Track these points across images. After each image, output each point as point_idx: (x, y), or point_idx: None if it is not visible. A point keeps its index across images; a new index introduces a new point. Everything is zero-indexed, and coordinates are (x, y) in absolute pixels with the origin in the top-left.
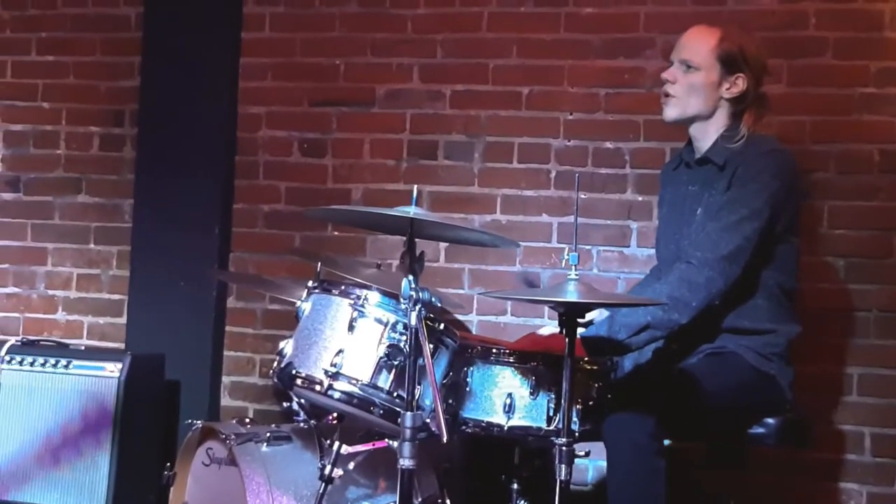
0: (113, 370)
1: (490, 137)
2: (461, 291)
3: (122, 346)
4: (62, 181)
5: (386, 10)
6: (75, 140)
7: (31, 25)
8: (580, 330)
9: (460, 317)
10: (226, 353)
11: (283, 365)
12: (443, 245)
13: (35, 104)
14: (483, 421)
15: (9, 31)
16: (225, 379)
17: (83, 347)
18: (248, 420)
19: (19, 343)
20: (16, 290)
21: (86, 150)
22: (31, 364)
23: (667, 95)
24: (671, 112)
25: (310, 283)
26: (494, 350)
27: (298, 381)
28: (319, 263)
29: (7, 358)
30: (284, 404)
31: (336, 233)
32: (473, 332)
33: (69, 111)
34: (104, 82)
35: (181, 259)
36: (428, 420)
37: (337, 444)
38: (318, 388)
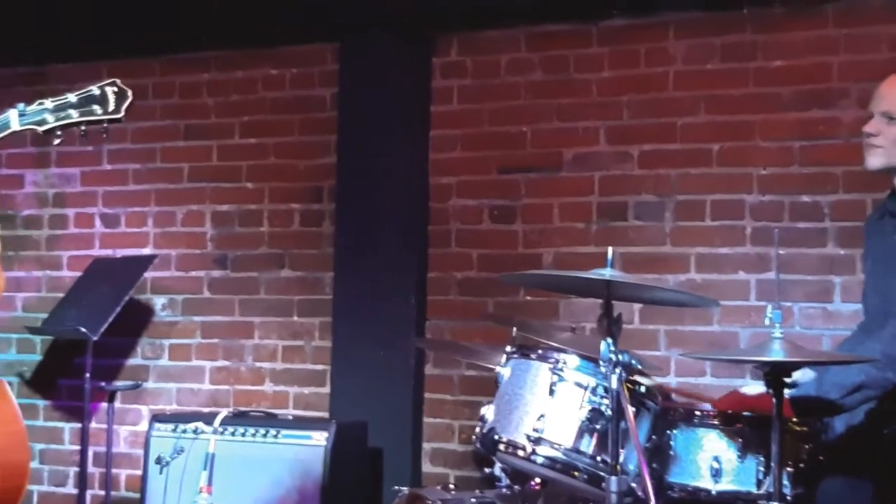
0: (319, 439)
1: (681, 196)
2: (657, 353)
3: (326, 414)
4: (266, 257)
5: (570, 75)
6: (277, 217)
7: (234, 111)
8: (787, 390)
9: (658, 379)
10: (425, 419)
11: (485, 430)
12: (637, 306)
13: (239, 185)
14: (689, 485)
15: (213, 117)
16: (426, 445)
17: (290, 417)
18: (451, 486)
19: (231, 414)
20: (226, 363)
21: (287, 227)
22: (243, 434)
23: (870, 145)
24: (875, 161)
25: (508, 349)
26: (698, 412)
27: (501, 447)
28: (514, 328)
29: (221, 429)
30: (486, 470)
31: (529, 297)
32: (672, 396)
33: (271, 190)
34: (303, 161)
35: (380, 328)
36: (633, 485)
37: None
38: (520, 453)
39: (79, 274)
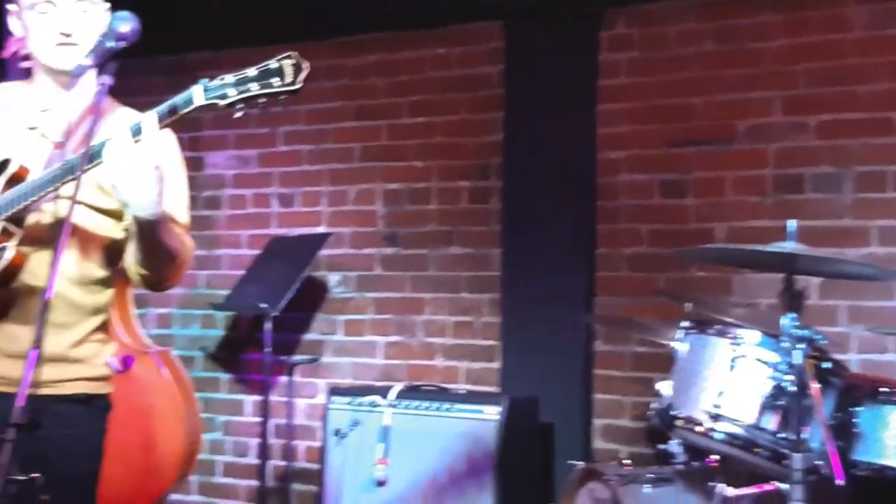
0: (492, 413)
1: (861, 167)
2: (838, 329)
3: (496, 389)
4: (435, 234)
5: (743, 44)
6: (446, 195)
7: (402, 91)
8: None
9: (838, 356)
10: (596, 395)
11: (662, 406)
12: (815, 281)
13: (408, 163)
14: (876, 463)
15: (382, 98)
16: (596, 421)
17: (462, 392)
18: (626, 462)
19: (405, 388)
20: (398, 338)
21: (455, 204)
22: (417, 408)
23: None
24: None
25: (684, 324)
26: (884, 389)
27: (679, 423)
28: (688, 304)
29: (395, 403)
30: (660, 446)
31: (701, 273)
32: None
33: (439, 168)
34: (470, 139)
35: (549, 304)
36: (817, 462)
37: (723, 486)
38: (699, 429)
39: (257, 252)
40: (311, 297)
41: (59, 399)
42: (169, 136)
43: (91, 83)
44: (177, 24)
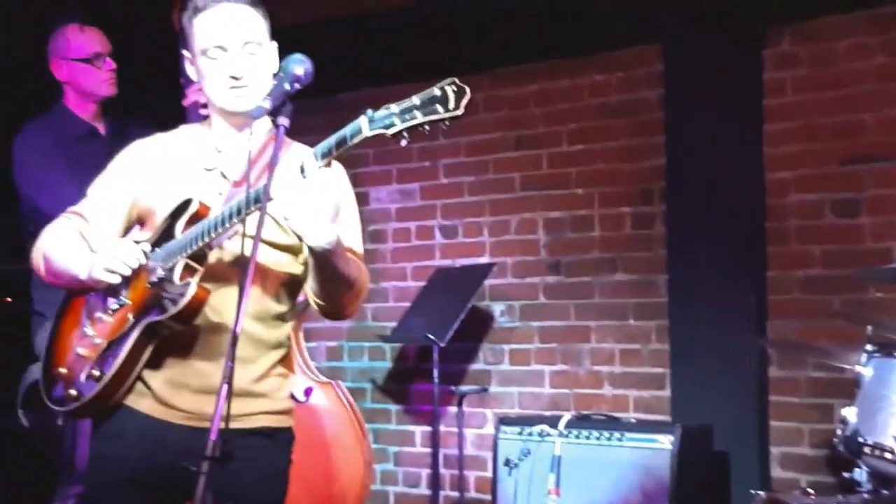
0: (665, 442)
1: None
2: None
3: (666, 418)
4: (599, 261)
5: None
6: (608, 221)
7: (561, 119)
8: None
9: None
10: (772, 423)
11: (847, 433)
12: None
13: (569, 191)
14: None
15: (541, 127)
16: (773, 449)
17: (633, 420)
18: (809, 491)
19: (575, 417)
20: (564, 367)
21: (618, 231)
22: (588, 437)
23: None
24: None
25: (868, 348)
26: None
27: (866, 450)
28: (869, 327)
29: (565, 432)
30: (844, 475)
31: (879, 294)
32: None
33: (601, 194)
34: (631, 164)
35: (719, 329)
36: None
37: None
38: (888, 456)
39: (422, 284)
40: (477, 328)
41: (245, 433)
42: (339, 169)
43: (264, 121)
44: (335, 64)
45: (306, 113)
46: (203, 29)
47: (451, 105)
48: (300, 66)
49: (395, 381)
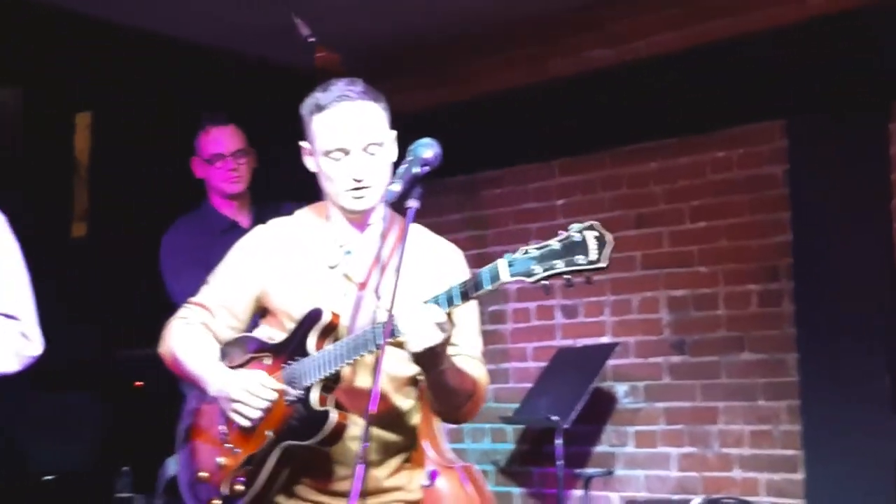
0: None
1: None
2: None
3: (800, 502)
4: (725, 340)
5: None
6: (733, 299)
7: (683, 196)
8: None
9: None
10: None
11: None
12: None
13: (692, 269)
14: None
15: (662, 204)
16: None
17: None
18: None
19: (705, 502)
20: (692, 449)
21: (745, 309)
22: None
23: None
24: None
25: None
26: None
27: None
28: None
29: None
30: None
31: None
32: None
33: (725, 272)
34: (756, 240)
35: (854, 410)
36: None
37: None
38: None
39: (543, 364)
40: (600, 408)
41: None
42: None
43: (380, 213)
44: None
45: (440, 193)
46: (325, 129)
47: (594, 255)
48: (429, 149)
49: (518, 464)
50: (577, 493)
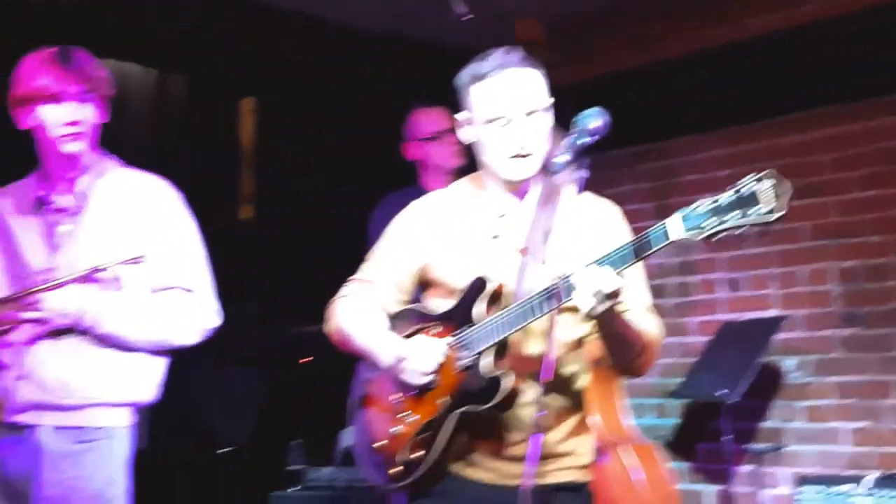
0: None
1: None
2: None
3: None
4: None
5: None
6: None
7: (851, 164)
8: None
9: None
10: None
11: None
12: None
13: (863, 239)
14: None
15: (828, 173)
16: None
17: None
18: None
19: (882, 477)
20: (866, 423)
21: None
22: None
23: None
24: None
25: None
26: None
27: None
28: None
29: (872, 492)
30: None
31: None
32: None
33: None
34: None
35: None
36: None
37: None
38: None
39: (707, 339)
40: (767, 383)
41: (554, 488)
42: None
43: (539, 184)
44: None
45: (604, 165)
46: (486, 98)
47: (770, 205)
48: (597, 119)
49: (683, 439)
50: (745, 468)
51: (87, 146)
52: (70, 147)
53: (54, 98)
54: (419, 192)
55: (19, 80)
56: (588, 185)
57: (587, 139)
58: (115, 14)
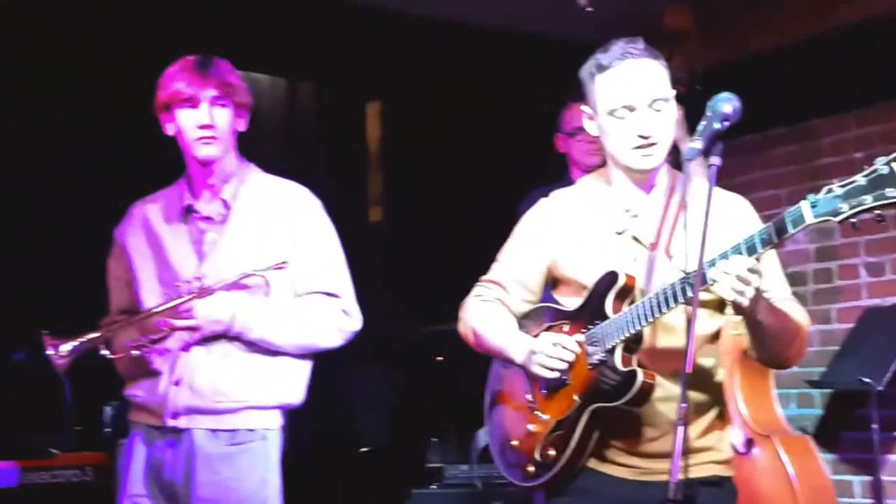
0: None
1: None
2: None
3: None
4: None
5: None
6: None
7: None
8: None
9: None
10: None
11: None
12: None
13: None
14: None
15: None
16: None
17: None
18: None
19: None
20: None
21: None
22: None
23: None
24: None
25: None
26: None
27: None
28: None
29: None
30: None
31: None
32: None
33: None
34: None
35: None
36: None
37: None
38: None
39: (849, 326)
40: None
41: (696, 482)
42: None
43: (664, 171)
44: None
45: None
46: (609, 88)
47: None
48: (729, 104)
49: (827, 429)
50: (894, 457)
51: (223, 151)
52: (204, 151)
53: (190, 102)
54: (568, 185)
55: (160, 87)
56: (720, 173)
57: (720, 125)
58: (242, 28)
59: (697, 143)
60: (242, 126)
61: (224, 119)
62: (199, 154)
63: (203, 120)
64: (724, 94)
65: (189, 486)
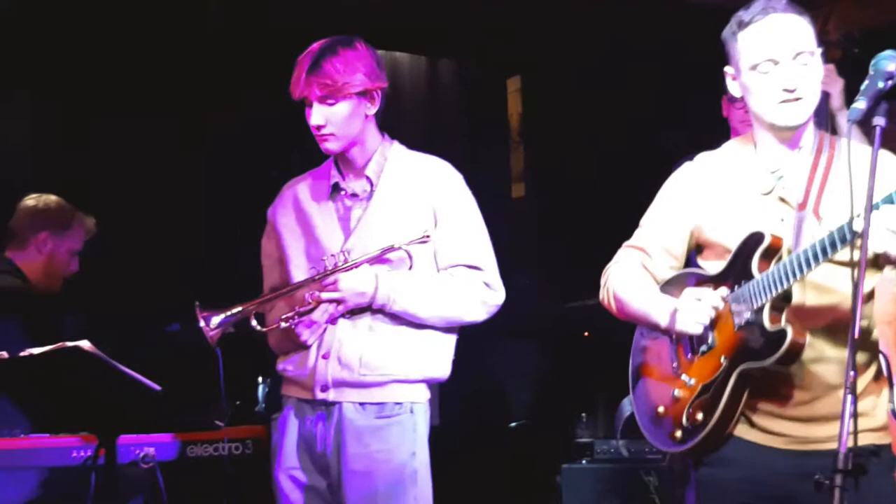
0: None
1: None
2: None
3: None
4: None
5: None
6: None
7: None
8: None
9: None
10: None
11: None
12: None
13: None
14: None
15: None
16: None
17: None
18: None
19: None
20: None
21: None
22: None
23: None
24: None
25: None
26: None
27: None
28: None
29: None
30: None
31: None
32: None
33: None
34: None
35: None
36: None
37: None
38: None
39: None
40: None
41: (851, 452)
42: None
43: (809, 132)
44: None
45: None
46: (751, 43)
47: None
48: (893, 62)
49: None
50: None
51: (346, 143)
52: (326, 146)
53: (304, 103)
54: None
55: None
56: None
57: (883, 83)
58: (383, 8)
59: (861, 104)
60: (372, 109)
61: (338, 115)
62: (324, 148)
63: (315, 121)
64: (888, 52)
65: (340, 458)
